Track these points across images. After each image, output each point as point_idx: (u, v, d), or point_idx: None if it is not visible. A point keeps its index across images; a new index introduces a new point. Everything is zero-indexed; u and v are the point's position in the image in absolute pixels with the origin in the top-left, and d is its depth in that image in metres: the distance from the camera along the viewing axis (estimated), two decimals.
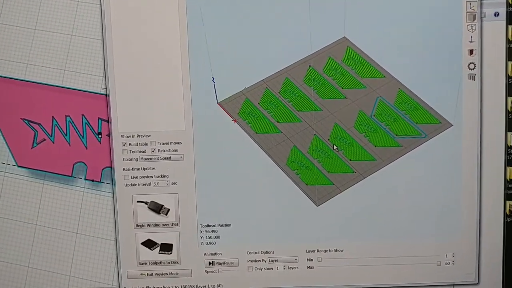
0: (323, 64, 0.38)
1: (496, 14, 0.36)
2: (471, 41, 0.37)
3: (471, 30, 0.37)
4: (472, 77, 0.37)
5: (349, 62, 0.38)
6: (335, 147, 0.37)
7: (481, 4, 0.36)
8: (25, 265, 0.39)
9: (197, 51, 0.37)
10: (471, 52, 0.37)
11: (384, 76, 0.38)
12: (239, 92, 0.38)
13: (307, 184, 0.38)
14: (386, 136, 0.38)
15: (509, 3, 0.36)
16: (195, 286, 0.39)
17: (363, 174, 0.38)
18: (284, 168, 0.38)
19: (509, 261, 0.38)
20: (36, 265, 0.39)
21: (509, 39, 0.37)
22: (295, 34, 0.37)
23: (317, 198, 0.38)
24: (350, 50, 0.38)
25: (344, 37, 0.38)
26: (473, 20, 0.36)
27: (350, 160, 0.38)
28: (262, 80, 0.38)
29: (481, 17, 0.36)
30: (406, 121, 0.38)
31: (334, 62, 0.38)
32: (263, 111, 0.38)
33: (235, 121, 0.38)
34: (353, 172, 0.38)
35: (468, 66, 0.37)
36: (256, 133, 0.38)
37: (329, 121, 0.38)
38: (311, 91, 0.38)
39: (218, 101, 0.38)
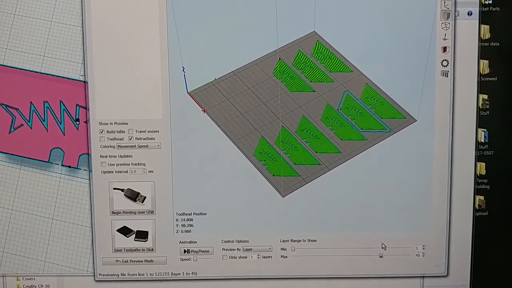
0: (293, 57, 0.39)
1: (470, 13, 0.37)
2: (444, 39, 0.37)
3: (445, 28, 0.37)
4: (445, 74, 0.38)
5: (318, 56, 0.39)
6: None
7: (455, 3, 0.37)
8: (0, 250, 0.39)
9: (176, 41, 0.37)
10: (444, 49, 0.37)
11: (352, 71, 0.38)
12: (209, 82, 0.38)
13: (273, 175, 0.38)
14: (351, 130, 0.39)
15: (482, 3, 0.37)
16: (169, 274, 0.39)
17: (329, 166, 0.38)
18: (251, 159, 0.38)
19: (477, 255, 0.39)
20: (12, 250, 0.39)
21: (481, 38, 0.37)
22: (265, 27, 0.38)
23: (283, 189, 0.38)
24: (319, 44, 0.38)
25: (314, 31, 0.38)
26: (447, 19, 0.37)
27: (316, 152, 0.38)
28: (232, 71, 0.38)
29: (455, 16, 0.37)
30: (372, 116, 0.39)
31: (303, 56, 0.39)
32: (232, 101, 0.38)
33: (204, 111, 0.38)
34: (318, 164, 0.38)
35: (441, 63, 0.38)
36: (225, 123, 0.38)
37: (296, 114, 0.39)
38: (279, 84, 0.39)
39: (188, 91, 0.38)
